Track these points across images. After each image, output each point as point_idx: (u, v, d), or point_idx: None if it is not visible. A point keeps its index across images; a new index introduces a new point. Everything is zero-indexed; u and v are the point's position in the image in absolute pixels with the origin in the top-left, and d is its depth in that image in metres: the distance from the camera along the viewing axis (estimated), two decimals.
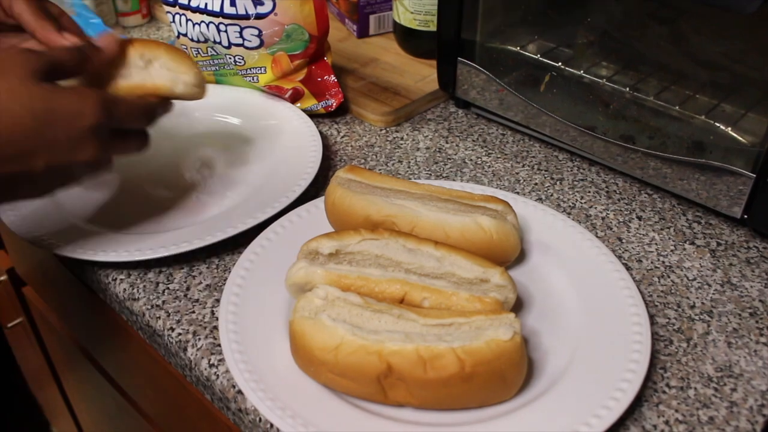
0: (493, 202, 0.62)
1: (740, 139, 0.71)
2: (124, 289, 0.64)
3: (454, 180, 0.77)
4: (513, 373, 0.50)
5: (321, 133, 0.82)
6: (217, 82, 0.88)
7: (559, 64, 0.81)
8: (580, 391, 0.51)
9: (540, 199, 0.74)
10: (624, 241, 0.69)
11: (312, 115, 0.84)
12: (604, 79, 0.78)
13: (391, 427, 0.49)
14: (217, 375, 0.56)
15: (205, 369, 0.56)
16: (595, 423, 0.48)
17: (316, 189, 0.74)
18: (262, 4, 0.78)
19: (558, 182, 0.77)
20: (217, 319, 0.60)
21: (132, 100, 0.59)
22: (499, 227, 0.60)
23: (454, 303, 0.53)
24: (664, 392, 0.54)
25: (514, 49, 0.84)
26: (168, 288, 0.64)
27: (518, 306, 0.59)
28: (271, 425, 0.52)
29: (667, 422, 0.52)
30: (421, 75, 0.93)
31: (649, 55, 0.80)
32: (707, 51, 0.75)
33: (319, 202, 0.68)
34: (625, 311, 0.57)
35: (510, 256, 0.61)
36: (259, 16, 0.79)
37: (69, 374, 1.23)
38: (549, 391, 0.51)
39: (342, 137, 0.85)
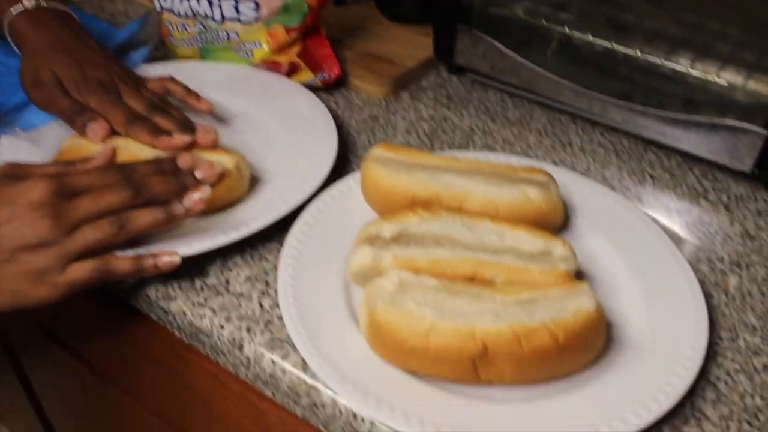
0: (535, 173, 0.62)
1: (753, 93, 0.73)
2: (157, 289, 0.60)
3: (467, 150, 0.77)
4: (597, 341, 0.51)
5: None
6: (203, 58, 0.83)
7: (564, 27, 0.81)
8: (653, 354, 0.53)
9: (555, 163, 0.75)
10: (644, 201, 0.71)
11: (308, 87, 0.81)
12: (613, 42, 0.79)
13: (484, 407, 0.49)
14: (284, 371, 0.54)
15: (268, 365, 0.55)
16: (677, 382, 0.50)
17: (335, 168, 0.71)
18: None
19: (567, 146, 0.78)
20: (268, 312, 0.58)
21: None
22: (546, 197, 0.60)
23: (526, 278, 0.53)
24: (717, 345, 0.57)
25: (513, 12, 0.84)
26: (205, 283, 0.61)
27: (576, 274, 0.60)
28: (355, 416, 0.51)
29: (728, 373, 0.54)
30: (409, 41, 0.91)
31: (655, 12, 0.81)
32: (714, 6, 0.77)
33: (350, 182, 0.66)
34: (673, 270, 0.59)
35: (557, 224, 0.62)
36: None
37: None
38: (623, 356, 0.53)
39: (343, 111, 0.82)
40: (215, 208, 0.63)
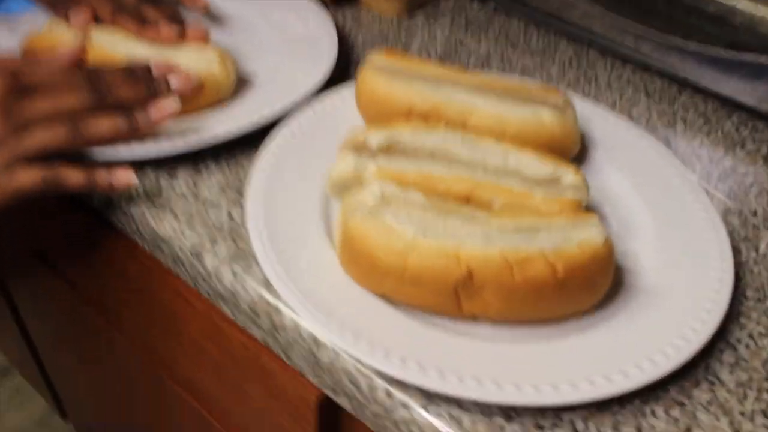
0: (551, 94, 0.54)
1: None
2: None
3: None
4: (603, 279, 0.44)
5: None
6: None
7: None
8: (666, 304, 0.46)
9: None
10: (672, 143, 0.63)
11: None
12: None
13: (462, 342, 0.42)
14: (245, 287, 0.48)
15: (228, 279, 0.48)
16: (692, 336, 0.43)
17: (334, 84, 0.64)
18: None
19: (593, 80, 0.71)
20: (237, 224, 0.51)
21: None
22: (562, 122, 0.53)
23: (530, 204, 0.46)
24: (741, 303, 0.50)
25: None
26: (172, 187, 0.54)
27: (587, 207, 0.53)
28: (317, 342, 0.44)
29: (750, 335, 0.47)
30: None
31: None
32: None
33: (344, 93, 0.60)
34: (698, 218, 0.52)
35: (571, 152, 0.55)
36: None
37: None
38: (631, 304, 0.46)
39: (350, 28, 0.75)
40: (196, 108, 0.57)
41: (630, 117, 0.66)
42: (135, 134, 0.53)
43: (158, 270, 0.59)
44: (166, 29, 0.59)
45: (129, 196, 0.54)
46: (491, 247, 0.41)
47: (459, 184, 0.46)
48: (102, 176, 0.51)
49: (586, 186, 0.48)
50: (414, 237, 0.41)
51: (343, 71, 0.66)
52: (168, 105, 0.53)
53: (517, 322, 0.44)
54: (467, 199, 0.46)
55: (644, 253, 0.50)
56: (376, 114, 0.55)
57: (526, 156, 0.48)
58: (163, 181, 0.55)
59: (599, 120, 0.60)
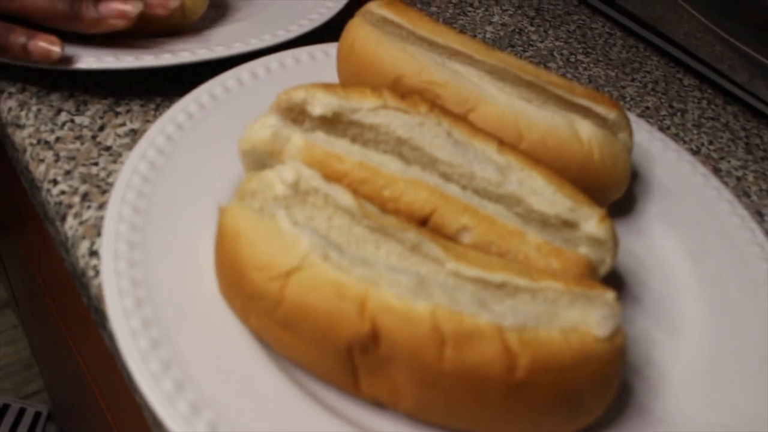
0: (601, 103, 0.38)
1: None
2: (10, 108, 0.41)
3: None
4: (594, 394, 0.27)
5: None
6: None
7: None
8: None
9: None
10: (767, 218, 0.46)
11: None
12: None
13: None
14: (98, 271, 0.34)
15: (83, 256, 0.34)
16: None
17: (329, 34, 0.50)
18: None
19: (679, 113, 0.53)
20: None
21: None
22: (606, 143, 0.36)
23: (515, 248, 0.30)
24: None
25: None
26: (73, 121, 0.41)
27: (613, 279, 0.36)
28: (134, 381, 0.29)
29: None
30: None
31: None
32: None
33: (329, 48, 0.45)
34: None
35: (611, 191, 0.38)
36: None
37: None
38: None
39: None
40: (154, 29, 0.44)
41: (715, 171, 0.48)
42: (72, 24, 0.41)
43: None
44: None
45: (18, 115, 0.40)
46: (423, 299, 0.25)
47: (416, 192, 0.30)
48: (17, 37, 0.40)
49: (612, 242, 0.32)
50: (307, 254, 0.26)
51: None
52: (123, 5, 0.40)
53: (439, 424, 0.28)
54: (423, 220, 0.30)
55: (682, 362, 0.33)
56: (354, 78, 0.40)
57: (538, 177, 0.32)
58: (65, 111, 0.41)
59: (667, 161, 0.43)
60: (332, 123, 0.32)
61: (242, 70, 0.41)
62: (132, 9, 0.41)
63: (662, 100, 0.54)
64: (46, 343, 0.96)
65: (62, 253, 0.37)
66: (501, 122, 0.36)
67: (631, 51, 0.59)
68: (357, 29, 0.39)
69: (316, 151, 0.31)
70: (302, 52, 0.44)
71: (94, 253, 0.34)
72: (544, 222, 0.31)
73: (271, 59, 0.42)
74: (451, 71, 0.37)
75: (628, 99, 0.53)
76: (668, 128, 0.51)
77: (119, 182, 0.34)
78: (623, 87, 0.54)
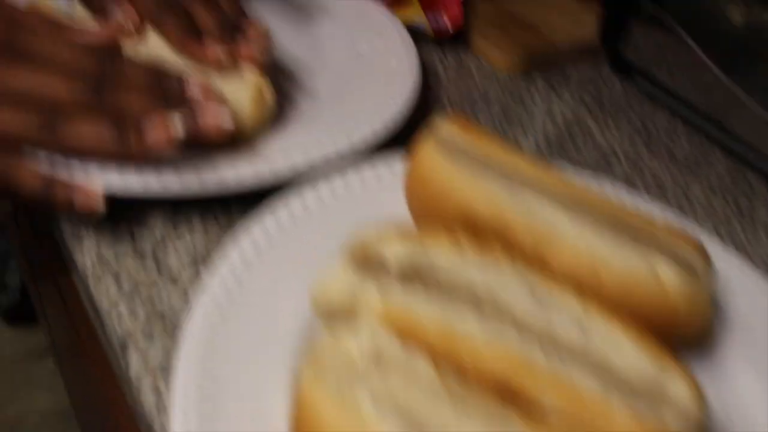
0: (684, 244, 0.36)
1: None
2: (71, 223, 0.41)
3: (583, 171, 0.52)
4: None
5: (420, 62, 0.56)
6: None
7: None
8: None
9: (720, 237, 0.49)
10: None
11: (413, 34, 0.58)
12: None
13: None
14: (162, 410, 0.33)
15: (147, 395, 0.34)
16: None
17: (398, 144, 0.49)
18: None
19: (747, 216, 0.51)
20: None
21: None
22: (688, 288, 0.35)
23: (599, 423, 0.29)
24: None
25: (726, 11, 0.57)
26: (131, 235, 0.41)
27: None
28: None
29: None
30: (572, 13, 0.66)
31: None
32: None
33: (395, 164, 0.44)
34: None
35: (690, 338, 0.36)
36: None
37: None
38: None
39: (448, 75, 0.59)
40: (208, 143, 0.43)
41: None
42: (119, 158, 0.39)
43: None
44: (213, 50, 0.44)
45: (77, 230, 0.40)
46: None
47: (497, 360, 0.29)
48: (62, 190, 0.38)
49: (701, 405, 0.30)
50: None
51: (415, 122, 0.50)
52: (170, 131, 0.39)
53: None
54: (505, 387, 0.29)
55: None
56: (423, 207, 0.39)
57: (620, 336, 0.31)
58: (124, 225, 0.41)
59: (741, 283, 0.41)
60: (410, 275, 0.32)
61: (308, 194, 0.40)
62: (180, 131, 0.39)
63: (726, 200, 0.52)
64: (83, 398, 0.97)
65: (125, 387, 0.37)
66: (577, 263, 0.35)
67: (696, 146, 0.57)
68: (431, 158, 0.38)
69: (392, 312, 0.30)
70: (367, 170, 0.43)
71: (158, 391, 0.34)
72: (627, 385, 0.30)
73: (337, 181, 0.41)
74: (524, 205, 0.36)
75: (692, 200, 0.52)
76: (733, 235, 0.49)
77: (186, 342, 0.33)
78: (688, 187, 0.53)
